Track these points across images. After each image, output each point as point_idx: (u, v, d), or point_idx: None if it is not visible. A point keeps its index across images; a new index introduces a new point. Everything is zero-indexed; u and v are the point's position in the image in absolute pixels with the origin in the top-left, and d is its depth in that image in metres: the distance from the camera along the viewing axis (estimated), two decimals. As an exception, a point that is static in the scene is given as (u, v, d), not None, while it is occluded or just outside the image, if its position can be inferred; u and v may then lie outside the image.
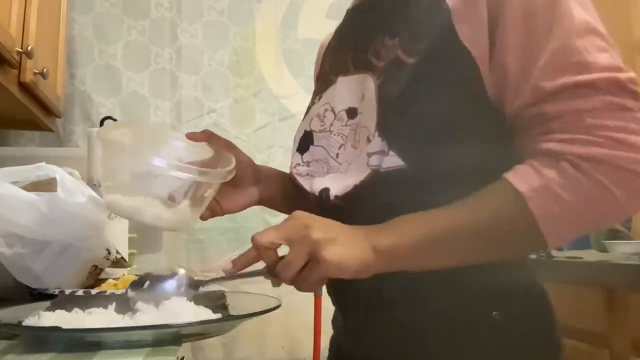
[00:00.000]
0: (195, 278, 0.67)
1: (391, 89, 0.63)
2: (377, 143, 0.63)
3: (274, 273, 0.60)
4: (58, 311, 0.62)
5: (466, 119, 0.61)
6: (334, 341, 0.84)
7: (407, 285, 0.62)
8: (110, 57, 2.23)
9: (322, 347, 1.66)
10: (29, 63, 1.27)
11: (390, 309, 0.67)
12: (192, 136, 0.78)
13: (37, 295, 0.84)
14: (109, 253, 0.96)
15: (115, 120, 1.96)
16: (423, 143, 0.61)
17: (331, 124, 0.73)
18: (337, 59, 0.78)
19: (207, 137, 0.78)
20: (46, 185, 0.90)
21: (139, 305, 0.62)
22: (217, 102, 2.33)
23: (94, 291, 0.81)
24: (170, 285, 0.65)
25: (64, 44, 1.75)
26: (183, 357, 0.89)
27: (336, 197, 0.68)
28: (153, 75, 2.27)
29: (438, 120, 0.61)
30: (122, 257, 1.05)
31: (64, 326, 0.57)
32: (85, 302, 0.66)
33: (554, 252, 1.67)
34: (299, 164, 0.77)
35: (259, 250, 0.59)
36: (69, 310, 0.63)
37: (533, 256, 0.71)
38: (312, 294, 0.73)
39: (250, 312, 0.65)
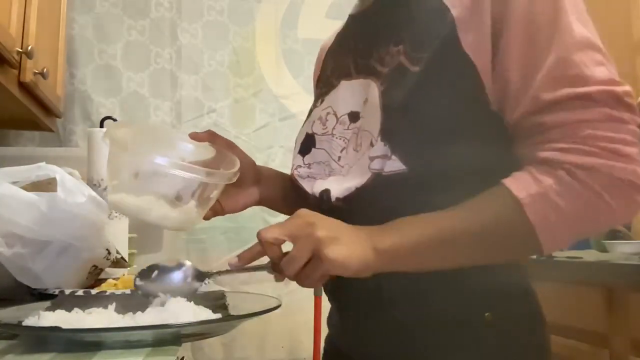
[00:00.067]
0: (201, 270, 0.68)
1: (395, 95, 0.64)
2: (380, 147, 0.64)
3: (277, 268, 0.61)
4: (58, 311, 0.62)
5: (467, 126, 0.63)
6: (329, 340, 0.85)
7: (405, 285, 0.63)
8: (110, 57, 2.23)
9: (322, 346, 1.66)
10: (29, 63, 1.27)
11: (388, 308, 0.68)
12: (195, 136, 0.79)
13: (37, 295, 0.84)
14: (109, 253, 0.96)
15: (115, 120, 1.96)
16: (425, 149, 0.63)
17: (333, 128, 0.74)
18: (339, 63, 0.79)
19: (210, 137, 0.79)
20: (46, 185, 0.90)
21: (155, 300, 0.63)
22: (217, 102, 2.33)
23: (94, 291, 0.81)
24: (177, 276, 0.66)
25: (64, 44, 1.75)
26: (183, 357, 0.89)
27: (337, 199, 0.69)
28: (153, 75, 2.27)
29: (440, 127, 0.62)
30: (122, 257, 1.05)
31: (64, 326, 0.57)
32: (85, 302, 0.66)
33: (554, 252, 1.67)
34: (300, 166, 0.78)
35: (264, 245, 0.61)
36: (69, 310, 0.63)
37: (533, 257, 0.71)
38: (311, 293, 0.73)
39: (250, 312, 0.65)
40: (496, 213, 0.58)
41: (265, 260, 0.64)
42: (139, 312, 0.62)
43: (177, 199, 0.70)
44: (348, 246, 0.58)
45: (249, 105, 2.37)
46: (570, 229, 0.58)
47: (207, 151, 0.79)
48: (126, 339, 0.57)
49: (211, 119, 2.30)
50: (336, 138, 0.73)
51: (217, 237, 2.26)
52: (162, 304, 0.63)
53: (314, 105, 0.82)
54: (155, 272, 0.66)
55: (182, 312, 0.61)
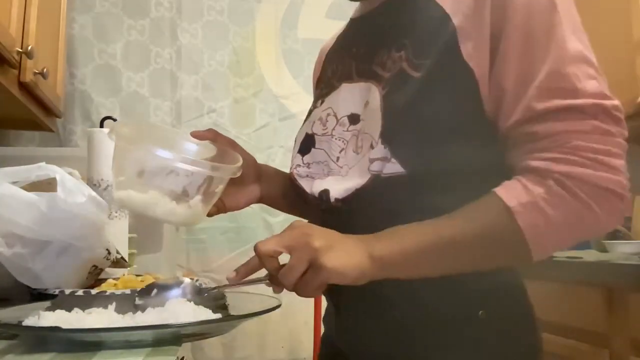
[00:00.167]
0: (200, 286, 0.68)
1: (396, 100, 0.66)
2: (380, 150, 0.65)
3: (275, 280, 0.62)
4: (58, 311, 0.62)
5: (465, 131, 0.64)
6: (325, 339, 0.86)
7: (400, 284, 0.64)
8: (110, 57, 2.23)
9: (322, 347, 1.65)
10: (29, 63, 1.27)
11: (384, 307, 0.69)
12: (196, 134, 0.80)
13: (37, 295, 0.83)
14: (109, 253, 0.96)
15: (115, 120, 1.96)
16: (424, 152, 0.64)
17: (333, 129, 0.75)
18: (340, 66, 0.80)
19: (212, 135, 0.80)
20: (46, 185, 0.90)
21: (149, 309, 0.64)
22: (217, 102, 2.33)
23: (94, 291, 0.81)
24: (176, 293, 0.67)
25: (64, 44, 1.75)
26: (183, 357, 0.89)
27: (336, 199, 0.70)
28: (153, 75, 2.27)
29: (439, 132, 0.64)
30: (122, 257, 1.05)
31: (64, 326, 0.57)
32: (85, 302, 0.66)
33: (555, 252, 1.67)
34: (299, 165, 0.79)
35: (261, 258, 0.62)
36: (69, 310, 0.63)
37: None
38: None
39: (250, 312, 0.65)
40: (488, 221, 0.60)
41: (262, 273, 0.64)
42: (139, 312, 0.62)
43: (183, 194, 0.71)
44: (345, 254, 0.60)
45: (249, 105, 2.37)
46: (559, 237, 0.60)
47: (208, 149, 0.80)
48: (126, 339, 0.57)
49: (211, 119, 2.30)
50: (335, 139, 0.74)
51: (217, 237, 2.26)
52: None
53: (314, 106, 0.83)
54: (155, 291, 0.67)
55: (182, 312, 0.61)
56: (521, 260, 0.63)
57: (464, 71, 0.63)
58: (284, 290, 0.63)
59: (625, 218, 1.92)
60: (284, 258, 0.61)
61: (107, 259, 0.95)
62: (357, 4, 0.82)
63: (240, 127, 2.34)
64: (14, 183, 0.87)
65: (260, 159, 0.89)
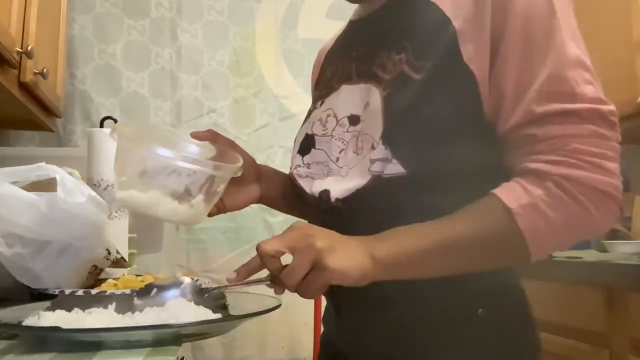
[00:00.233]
0: (200, 286, 0.68)
1: (397, 101, 0.66)
2: (381, 151, 0.65)
3: (277, 281, 0.62)
4: (58, 311, 0.62)
5: (466, 132, 0.65)
6: (324, 339, 0.86)
7: (401, 285, 0.64)
8: (110, 57, 2.23)
9: (322, 347, 1.66)
10: (29, 63, 1.27)
11: (384, 306, 0.69)
12: (196, 135, 0.80)
13: (37, 295, 0.83)
14: (109, 253, 0.96)
15: (115, 120, 1.96)
16: (424, 153, 0.65)
17: (333, 129, 0.75)
18: (339, 67, 0.80)
19: (211, 136, 0.81)
20: (46, 185, 0.90)
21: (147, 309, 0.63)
22: (217, 102, 2.33)
23: (94, 291, 0.81)
24: (175, 293, 0.67)
25: (64, 44, 1.75)
26: (183, 357, 0.89)
27: (337, 199, 0.70)
28: (153, 75, 2.27)
29: (440, 133, 0.65)
30: (122, 257, 1.05)
31: (64, 326, 0.57)
32: (85, 302, 0.66)
33: (554, 252, 1.67)
34: (299, 165, 0.79)
35: (263, 258, 0.61)
36: (69, 310, 0.63)
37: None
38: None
39: (250, 312, 0.65)
40: (488, 223, 0.61)
41: (263, 274, 0.64)
42: (139, 312, 0.62)
43: (185, 194, 0.71)
44: (347, 255, 0.60)
45: (249, 105, 2.37)
46: (558, 238, 0.62)
47: (208, 150, 0.80)
48: (126, 339, 0.57)
49: (211, 119, 2.30)
50: (335, 139, 0.74)
51: (217, 237, 2.26)
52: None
53: (313, 107, 0.84)
54: (154, 290, 0.67)
55: (182, 312, 0.61)
56: (519, 261, 0.64)
57: (464, 73, 0.64)
58: (285, 291, 0.63)
59: (625, 218, 1.92)
60: (285, 259, 0.61)
61: (107, 259, 0.95)
62: (356, 5, 0.82)
63: (240, 127, 2.34)
64: (14, 183, 0.87)
65: (260, 159, 0.89)
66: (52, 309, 0.64)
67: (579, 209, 0.59)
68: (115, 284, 0.87)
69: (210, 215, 0.78)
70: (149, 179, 0.71)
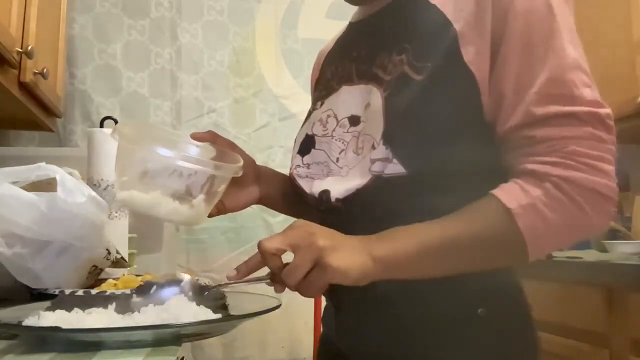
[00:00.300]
0: (200, 284, 0.68)
1: (398, 102, 0.67)
2: (382, 150, 0.66)
3: (278, 279, 0.62)
4: (58, 311, 0.62)
5: (466, 133, 0.66)
6: (324, 338, 0.87)
7: (401, 284, 0.64)
8: (110, 57, 2.23)
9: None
10: (29, 63, 1.27)
11: (383, 306, 0.69)
12: (196, 136, 0.80)
13: (37, 295, 0.83)
14: (109, 253, 0.96)
15: (115, 120, 1.96)
16: (425, 153, 0.65)
17: (333, 130, 0.75)
18: (339, 68, 0.81)
19: (211, 137, 0.81)
20: (46, 185, 0.90)
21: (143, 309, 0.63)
22: (217, 102, 2.33)
23: (94, 291, 0.81)
24: (175, 291, 0.66)
25: (64, 44, 1.75)
26: (183, 357, 0.89)
27: (337, 199, 0.70)
28: (153, 75, 2.27)
29: (440, 134, 0.65)
30: (122, 257, 1.05)
31: (64, 326, 0.57)
32: (85, 302, 0.66)
33: (554, 252, 1.67)
34: (299, 166, 0.79)
35: (265, 256, 0.61)
36: (69, 310, 0.63)
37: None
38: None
39: (250, 312, 0.65)
40: (488, 223, 0.61)
41: (263, 272, 0.64)
42: (139, 312, 0.62)
43: (186, 194, 0.71)
44: (348, 255, 0.60)
45: (249, 105, 2.37)
46: (555, 238, 0.62)
47: (208, 151, 0.80)
48: (126, 339, 0.57)
49: (211, 119, 2.30)
50: (335, 140, 0.74)
51: (217, 237, 2.26)
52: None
53: (313, 108, 0.84)
54: (154, 288, 0.67)
55: (182, 312, 0.61)
56: (518, 261, 0.64)
57: (465, 75, 0.64)
58: (285, 289, 0.63)
59: (625, 218, 1.92)
60: (286, 257, 0.61)
61: (107, 259, 0.95)
62: (356, 7, 0.82)
63: (240, 127, 2.34)
64: (14, 183, 0.87)
65: (260, 159, 0.89)
66: (52, 309, 0.64)
67: (577, 209, 0.59)
68: (115, 284, 0.87)
69: (210, 216, 0.78)
70: (150, 179, 0.71)
